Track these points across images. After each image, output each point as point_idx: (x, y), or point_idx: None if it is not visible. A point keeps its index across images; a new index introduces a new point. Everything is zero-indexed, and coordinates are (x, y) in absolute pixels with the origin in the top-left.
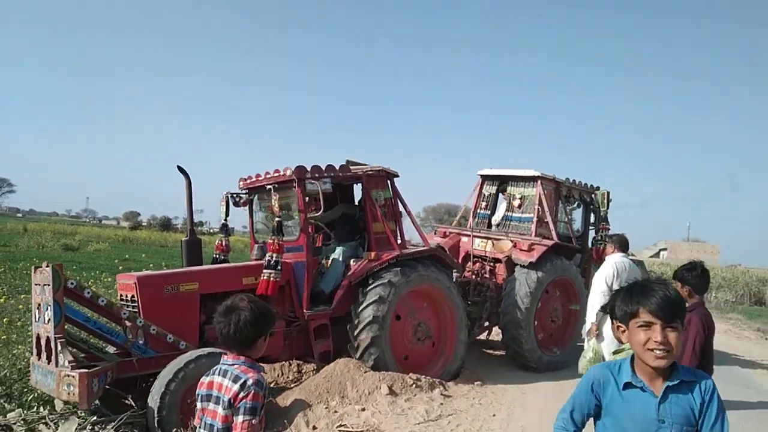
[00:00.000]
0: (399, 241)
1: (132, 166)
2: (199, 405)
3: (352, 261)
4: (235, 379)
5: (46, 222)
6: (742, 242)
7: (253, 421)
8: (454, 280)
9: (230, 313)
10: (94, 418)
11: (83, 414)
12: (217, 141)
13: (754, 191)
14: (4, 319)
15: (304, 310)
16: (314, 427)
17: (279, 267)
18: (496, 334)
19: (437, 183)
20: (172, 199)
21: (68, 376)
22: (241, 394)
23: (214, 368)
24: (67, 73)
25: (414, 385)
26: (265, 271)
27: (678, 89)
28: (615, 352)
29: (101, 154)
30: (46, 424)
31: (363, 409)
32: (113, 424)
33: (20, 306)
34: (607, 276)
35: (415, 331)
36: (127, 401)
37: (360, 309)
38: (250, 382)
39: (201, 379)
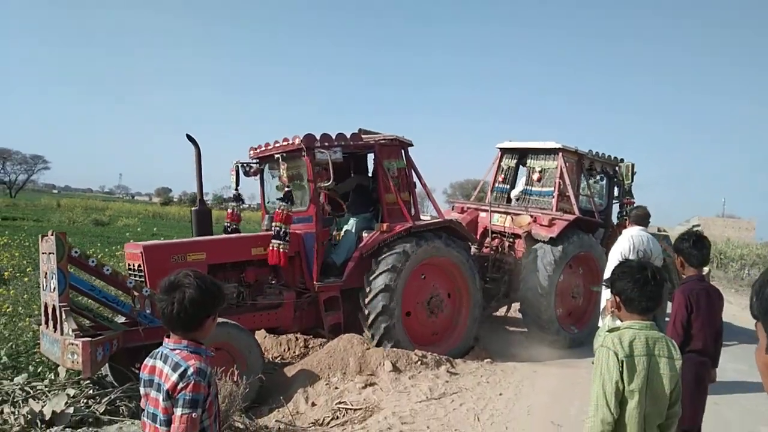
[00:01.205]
0: (413, 213)
1: (164, 144)
2: (142, 390)
3: (364, 233)
4: (175, 367)
5: (80, 198)
6: None
7: (194, 414)
8: (470, 253)
9: (173, 291)
10: (90, 391)
11: (80, 387)
12: (253, 117)
13: None
14: (11, 291)
15: (315, 282)
16: (313, 404)
17: (287, 237)
18: (515, 310)
19: (464, 159)
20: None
21: (72, 344)
22: (180, 385)
23: (156, 350)
24: (103, 50)
25: (419, 362)
26: (273, 241)
27: (715, 64)
28: (610, 330)
29: (135, 131)
30: (36, 397)
31: (364, 386)
32: (107, 398)
33: (26, 279)
34: (623, 251)
35: (428, 304)
36: (137, 371)
37: (372, 277)
38: (190, 371)
39: (145, 361)
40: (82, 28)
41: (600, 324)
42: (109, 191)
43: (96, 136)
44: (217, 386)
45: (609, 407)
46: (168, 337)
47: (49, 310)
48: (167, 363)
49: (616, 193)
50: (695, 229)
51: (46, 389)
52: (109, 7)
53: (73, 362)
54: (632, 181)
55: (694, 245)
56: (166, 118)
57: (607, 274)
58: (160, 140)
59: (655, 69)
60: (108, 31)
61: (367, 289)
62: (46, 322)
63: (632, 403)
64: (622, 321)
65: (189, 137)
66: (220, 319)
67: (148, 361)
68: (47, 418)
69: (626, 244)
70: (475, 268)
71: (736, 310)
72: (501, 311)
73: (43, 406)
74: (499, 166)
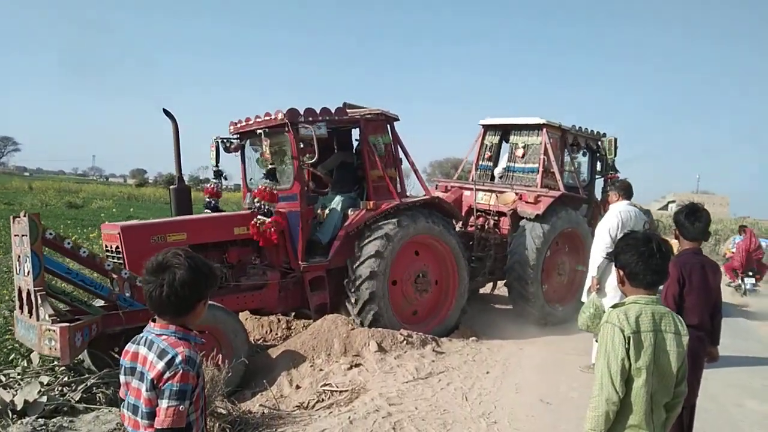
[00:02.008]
0: (399, 190)
1: (138, 124)
2: (122, 378)
3: (349, 210)
4: (161, 354)
5: (52, 180)
6: (752, 195)
7: (181, 407)
8: (456, 230)
9: (162, 272)
10: (65, 378)
11: (54, 374)
12: (230, 92)
13: (766, 143)
14: None
15: (300, 262)
16: (297, 386)
17: (270, 214)
18: (500, 288)
19: (444, 136)
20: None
21: (49, 330)
22: (167, 374)
23: (140, 336)
24: (72, 27)
25: (405, 342)
26: (259, 217)
27: (689, 40)
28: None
29: (107, 111)
30: (9, 386)
31: (350, 367)
32: (83, 385)
33: None
34: (611, 227)
35: (415, 283)
36: (117, 356)
37: (357, 265)
38: (178, 359)
39: (126, 347)
40: (49, 7)
41: (585, 300)
42: (82, 173)
43: (67, 116)
44: (204, 377)
45: (614, 386)
46: (154, 321)
47: (24, 295)
48: (152, 349)
49: (599, 168)
50: (670, 204)
51: (19, 377)
52: None
53: (50, 348)
54: (615, 155)
55: (687, 217)
56: (140, 97)
57: (595, 251)
58: (134, 120)
59: (630, 47)
60: (76, 8)
61: (353, 276)
62: (21, 307)
63: (639, 382)
64: (626, 296)
65: (166, 112)
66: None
67: (130, 347)
68: (19, 408)
69: (614, 220)
70: (461, 245)
71: None
72: (487, 288)
73: (14, 396)
74: (483, 143)
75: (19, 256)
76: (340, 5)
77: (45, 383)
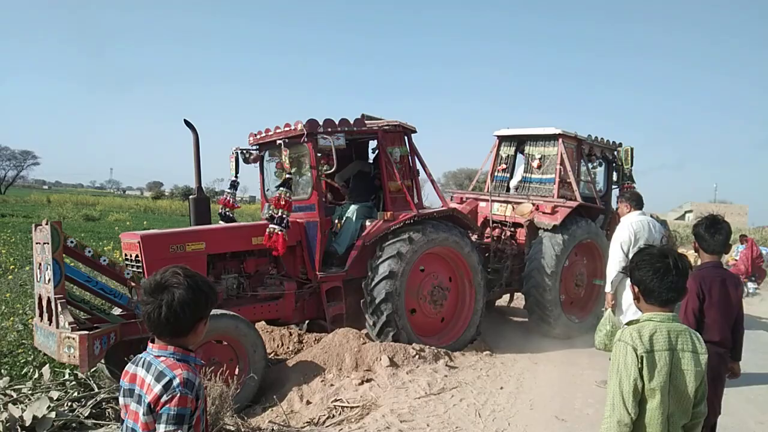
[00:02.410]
0: (416, 201)
1: (156, 138)
2: (121, 400)
3: (367, 221)
4: (159, 377)
5: (70, 193)
6: None
7: (179, 431)
8: (473, 242)
9: (160, 292)
10: (75, 393)
11: (64, 389)
12: (245, 109)
13: None
14: None
15: (317, 272)
16: (308, 402)
17: (285, 224)
18: (517, 301)
19: (457, 147)
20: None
21: (69, 338)
22: (164, 398)
23: (139, 356)
24: (91, 45)
25: (417, 356)
26: (270, 225)
27: (707, 50)
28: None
29: (126, 125)
30: (18, 401)
31: (361, 383)
32: (92, 401)
33: (9, 276)
34: (623, 242)
35: (431, 294)
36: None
37: (377, 263)
38: (176, 382)
39: (126, 367)
40: (71, 23)
41: (603, 317)
42: (100, 186)
43: (87, 131)
44: (206, 399)
45: (626, 407)
46: (152, 342)
47: (44, 303)
48: (150, 372)
49: (614, 177)
50: (687, 214)
51: (29, 392)
52: (100, 3)
53: (69, 356)
54: (632, 165)
55: (707, 230)
56: (157, 112)
57: (609, 266)
58: (152, 134)
59: (647, 54)
60: (98, 25)
61: (371, 275)
62: (40, 315)
63: (653, 403)
64: (642, 313)
65: (187, 123)
66: (228, 312)
67: (130, 368)
68: (28, 424)
69: (626, 233)
70: (478, 257)
71: None
72: (504, 300)
73: (23, 411)
74: (498, 154)
75: (40, 264)
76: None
77: (55, 398)
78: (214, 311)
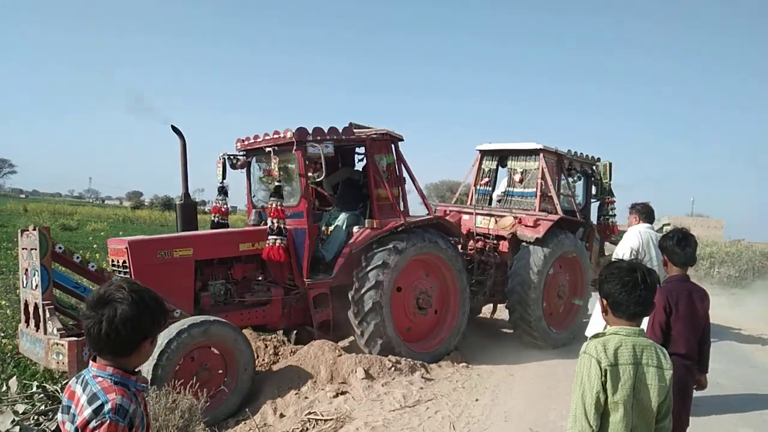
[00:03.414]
0: (402, 209)
1: (135, 147)
2: (59, 417)
3: (354, 228)
4: (91, 399)
5: (47, 202)
6: (747, 217)
7: None
8: (458, 250)
9: (102, 306)
10: (42, 407)
11: (32, 402)
12: (224, 123)
13: (762, 167)
14: None
15: (304, 279)
16: (282, 415)
17: (284, 232)
18: (500, 312)
19: (440, 160)
20: (177, 179)
21: (57, 344)
22: (93, 423)
23: (82, 373)
24: (67, 53)
25: (393, 368)
26: (270, 237)
27: (682, 67)
28: (594, 336)
29: (104, 134)
30: None
31: (336, 395)
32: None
33: None
34: (633, 248)
35: (416, 301)
36: None
37: (362, 273)
38: (107, 407)
39: (69, 382)
40: (48, 26)
41: (588, 334)
42: (78, 195)
43: (65, 139)
44: (148, 427)
45: (588, 419)
46: (94, 360)
47: (30, 309)
48: (86, 392)
49: (594, 191)
50: (665, 227)
51: None
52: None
53: (58, 363)
54: (610, 179)
55: (678, 243)
56: (138, 121)
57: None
58: (132, 143)
59: (624, 72)
60: (75, 31)
61: (357, 286)
62: (27, 321)
63: (616, 416)
64: (610, 326)
65: (174, 129)
66: (232, 325)
67: (72, 383)
68: None
69: (635, 241)
70: (463, 263)
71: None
72: (487, 312)
73: None
74: (480, 168)
75: (26, 270)
76: (336, 25)
77: (21, 412)
78: (193, 320)
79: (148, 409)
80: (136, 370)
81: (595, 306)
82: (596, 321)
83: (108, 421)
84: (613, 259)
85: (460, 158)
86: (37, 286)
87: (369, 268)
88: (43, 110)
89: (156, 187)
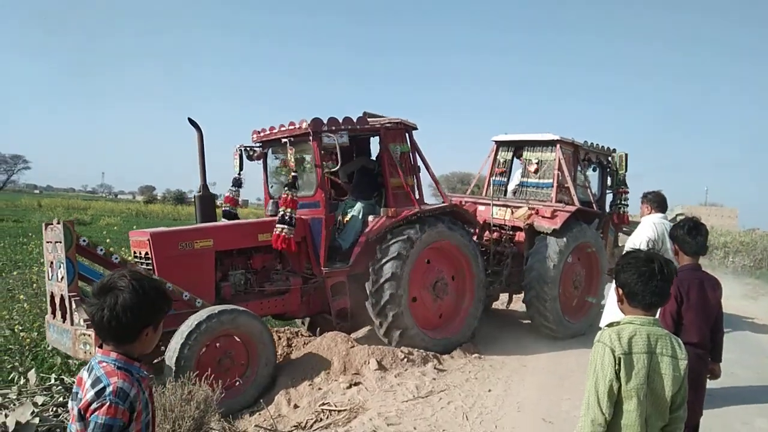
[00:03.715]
0: (417, 197)
1: (148, 142)
2: (70, 405)
3: (370, 217)
4: (94, 383)
5: (61, 198)
6: (762, 206)
7: None
8: (473, 238)
9: (105, 294)
10: (61, 398)
11: (50, 394)
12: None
13: None
14: None
15: (322, 267)
16: (296, 406)
17: (293, 222)
18: (515, 304)
19: (449, 151)
20: (189, 173)
21: (84, 334)
22: (94, 405)
23: (89, 360)
24: (84, 49)
25: (405, 359)
26: (277, 225)
27: (699, 53)
28: (609, 325)
29: (117, 129)
30: (3, 407)
31: (349, 386)
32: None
33: None
34: (649, 239)
35: (433, 288)
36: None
37: (378, 266)
38: (108, 390)
39: (79, 373)
40: (61, 24)
41: (602, 325)
42: (92, 190)
43: (78, 134)
44: (153, 414)
45: (600, 407)
46: (100, 347)
47: (56, 300)
48: (90, 376)
49: (609, 182)
50: (678, 217)
51: (15, 398)
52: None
53: (85, 353)
54: (626, 170)
55: (689, 233)
56: (150, 116)
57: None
58: (145, 138)
59: (638, 60)
60: (89, 29)
61: (374, 278)
62: (53, 312)
63: (630, 405)
64: (625, 315)
65: (191, 121)
66: (259, 318)
67: (81, 373)
68: (11, 429)
69: (650, 232)
70: (478, 251)
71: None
72: (502, 303)
73: (6, 417)
74: (495, 159)
75: (51, 263)
76: (345, 15)
77: (39, 404)
78: (221, 307)
79: (153, 396)
80: (155, 361)
81: (609, 295)
82: (610, 310)
83: (108, 403)
84: (626, 251)
85: (467, 149)
86: (62, 278)
87: (385, 260)
88: (56, 106)
89: (168, 182)
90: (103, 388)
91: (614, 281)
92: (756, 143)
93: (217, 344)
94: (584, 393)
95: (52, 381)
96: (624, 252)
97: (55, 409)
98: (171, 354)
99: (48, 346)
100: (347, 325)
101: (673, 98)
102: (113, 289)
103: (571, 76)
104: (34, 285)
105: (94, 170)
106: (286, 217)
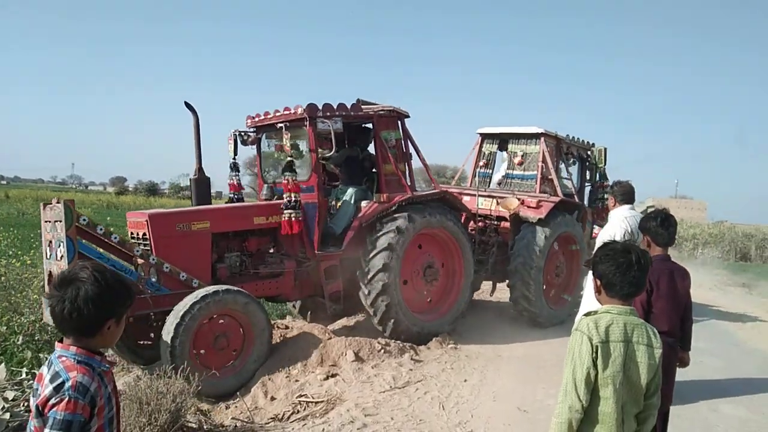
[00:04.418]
0: (409, 183)
1: (119, 132)
2: (31, 401)
3: (362, 203)
4: (53, 378)
5: (30, 189)
6: (730, 198)
7: None
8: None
9: (66, 286)
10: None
11: (21, 389)
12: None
13: (746, 150)
14: None
15: (315, 251)
16: (272, 398)
17: (299, 206)
18: (499, 293)
19: (432, 144)
20: (160, 164)
21: None
22: (53, 400)
23: (49, 356)
24: (50, 35)
25: (382, 350)
26: (286, 211)
27: (670, 47)
28: (587, 314)
29: (87, 119)
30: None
31: (326, 378)
32: None
33: None
34: (625, 231)
35: (424, 273)
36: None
37: (369, 257)
38: (68, 384)
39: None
40: (30, 9)
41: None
42: (61, 181)
43: (47, 124)
44: (117, 408)
45: (578, 394)
46: (60, 341)
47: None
48: (49, 371)
49: (588, 176)
50: (649, 209)
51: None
52: None
53: None
54: (605, 164)
55: (662, 224)
56: (120, 105)
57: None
58: (116, 126)
59: (613, 50)
60: (57, 15)
61: (366, 269)
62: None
63: (607, 392)
64: (602, 305)
65: (187, 104)
66: (263, 306)
67: (42, 369)
68: None
69: (620, 227)
70: (468, 238)
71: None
72: (485, 293)
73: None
74: (480, 151)
75: (50, 242)
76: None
77: (10, 399)
78: (216, 287)
79: (117, 390)
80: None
81: (587, 285)
82: (588, 300)
83: (67, 398)
84: (597, 244)
85: (438, 143)
86: (62, 257)
87: (375, 252)
88: (24, 94)
89: (140, 173)
90: (62, 383)
91: (591, 272)
92: (728, 136)
93: (211, 318)
94: (562, 380)
95: (23, 375)
96: (598, 245)
97: (26, 404)
98: (167, 333)
99: (18, 340)
100: (340, 308)
101: (643, 88)
102: (75, 281)
103: (530, 60)
104: (2, 278)
105: (64, 161)
106: (292, 201)
